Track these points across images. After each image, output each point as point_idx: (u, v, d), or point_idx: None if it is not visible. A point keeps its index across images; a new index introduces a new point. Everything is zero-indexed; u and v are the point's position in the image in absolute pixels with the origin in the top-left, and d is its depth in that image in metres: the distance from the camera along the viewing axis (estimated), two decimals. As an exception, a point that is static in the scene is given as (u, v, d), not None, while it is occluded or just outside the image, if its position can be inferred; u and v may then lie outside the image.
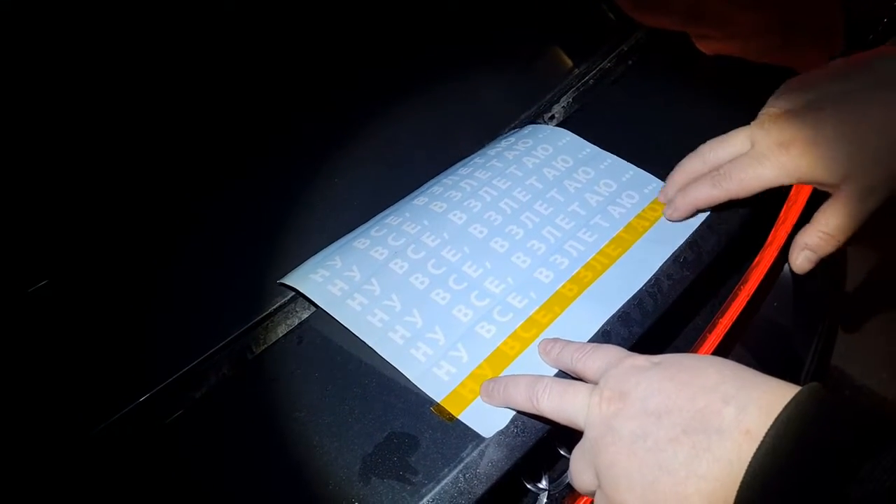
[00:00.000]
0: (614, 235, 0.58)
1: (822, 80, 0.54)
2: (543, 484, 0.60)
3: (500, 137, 0.68)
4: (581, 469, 0.44)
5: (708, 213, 0.59)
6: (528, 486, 0.60)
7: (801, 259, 0.56)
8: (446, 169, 0.66)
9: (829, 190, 0.53)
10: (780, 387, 0.38)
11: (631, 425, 0.40)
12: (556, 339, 0.51)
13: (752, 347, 0.83)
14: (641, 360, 0.43)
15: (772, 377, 0.39)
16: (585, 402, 0.43)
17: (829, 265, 0.94)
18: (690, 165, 0.58)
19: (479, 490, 0.46)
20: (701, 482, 0.37)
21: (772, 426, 0.35)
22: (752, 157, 0.53)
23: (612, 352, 0.46)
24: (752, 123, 0.55)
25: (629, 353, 0.45)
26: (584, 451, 0.43)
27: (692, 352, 0.68)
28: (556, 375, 0.50)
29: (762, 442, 0.35)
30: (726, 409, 0.38)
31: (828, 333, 0.90)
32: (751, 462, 0.35)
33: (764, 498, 0.35)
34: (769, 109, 0.55)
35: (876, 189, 0.51)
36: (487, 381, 0.49)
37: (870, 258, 1.35)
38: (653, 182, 0.62)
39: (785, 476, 0.34)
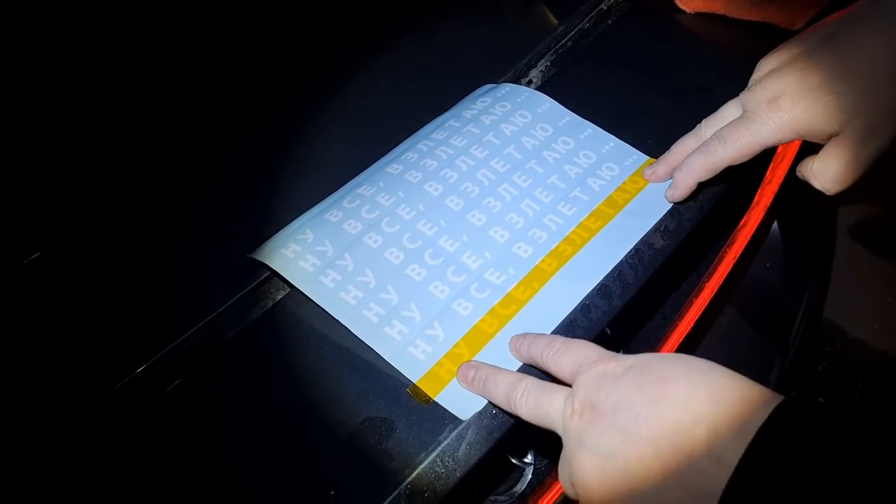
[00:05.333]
0: (594, 209, 0.56)
1: (804, 38, 0.52)
2: (529, 458, 0.60)
3: (476, 95, 0.66)
4: (564, 480, 0.42)
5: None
6: (514, 461, 0.60)
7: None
8: (418, 130, 0.64)
9: (825, 141, 0.51)
10: (755, 401, 0.36)
11: (601, 443, 0.39)
12: (524, 335, 0.49)
13: (743, 307, 0.82)
14: (613, 364, 0.41)
15: (748, 383, 0.37)
16: (560, 410, 0.42)
17: (818, 219, 0.93)
18: (686, 144, 0.56)
19: (458, 474, 0.45)
20: None
21: (743, 456, 0.33)
22: (745, 118, 0.52)
23: (584, 350, 0.43)
24: (742, 92, 0.53)
25: (600, 352, 0.43)
26: (564, 464, 0.42)
27: (679, 316, 0.67)
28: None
29: (734, 474, 0.33)
30: (696, 431, 0.35)
31: (818, 288, 0.90)
32: (722, 496, 0.34)
33: None
34: (755, 74, 0.54)
35: (876, 130, 0.48)
36: (466, 364, 0.48)
37: (860, 211, 1.34)
38: (633, 154, 0.60)
39: None
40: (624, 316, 0.53)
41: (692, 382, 0.37)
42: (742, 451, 0.33)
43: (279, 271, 0.54)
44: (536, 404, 0.43)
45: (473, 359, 0.49)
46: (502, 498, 0.59)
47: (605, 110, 0.63)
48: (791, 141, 0.52)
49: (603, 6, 0.72)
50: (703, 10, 0.70)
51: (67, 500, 0.46)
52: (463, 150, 0.60)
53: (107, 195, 0.61)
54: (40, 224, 0.60)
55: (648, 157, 0.60)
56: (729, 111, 0.55)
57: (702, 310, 0.67)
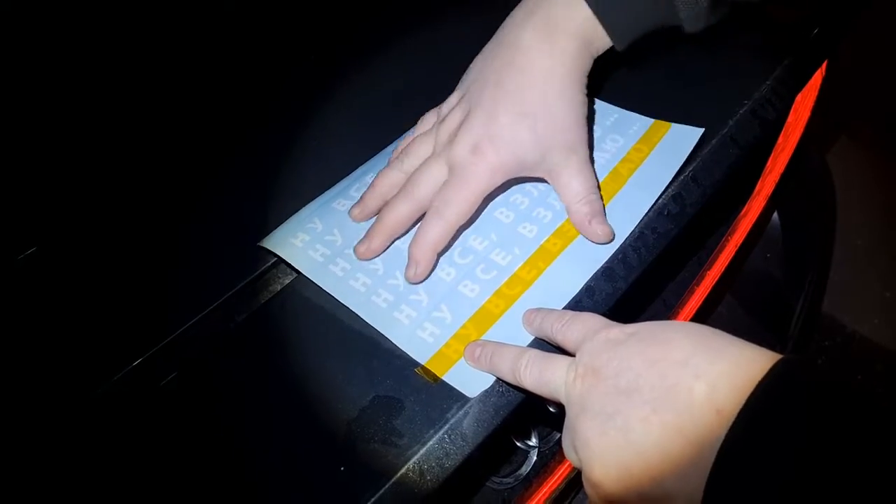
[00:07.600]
0: (598, 183, 0.57)
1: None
2: (533, 441, 0.60)
3: None
4: (567, 447, 0.43)
5: (692, 164, 0.58)
6: (518, 444, 0.60)
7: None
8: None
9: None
10: (754, 359, 0.36)
11: (602, 403, 0.39)
12: (538, 309, 0.50)
13: (743, 298, 0.83)
14: (616, 331, 0.42)
15: (747, 344, 0.37)
16: (563, 377, 0.43)
17: (819, 214, 0.94)
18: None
19: (466, 451, 0.46)
20: (674, 464, 0.36)
21: (744, 406, 0.34)
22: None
23: (590, 321, 0.44)
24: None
25: (606, 322, 0.44)
26: (567, 430, 0.43)
27: (681, 304, 0.68)
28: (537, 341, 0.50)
29: (734, 423, 0.34)
30: (697, 386, 0.36)
31: (817, 281, 0.90)
32: (723, 444, 0.34)
33: (738, 481, 0.33)
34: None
35: None
36: (473, 344, 0.49)
37: (860, 205, 1.35)
38: (638, 121, 0.61)
39: (758, 459, 0.33)
40: (627, 299, 0.53)
41: (692, 344, 0.38)
42: (742, 402, 0.34)
43: (289, 261, 0.55)
44: (540, 374, 0.44)
45: (480, 339, 0.50)
46: (507, 480, 0.59)
47: (610, 91, 0.64)
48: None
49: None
50: None
51: (75, 495, 0.47)
52: (467, 135, 0.60)
53: (112, 184, 0.62)
54: (38, 219, 0.60)
55: (654, 120, 0.61)
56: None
57: (703, 297, 0.68)
